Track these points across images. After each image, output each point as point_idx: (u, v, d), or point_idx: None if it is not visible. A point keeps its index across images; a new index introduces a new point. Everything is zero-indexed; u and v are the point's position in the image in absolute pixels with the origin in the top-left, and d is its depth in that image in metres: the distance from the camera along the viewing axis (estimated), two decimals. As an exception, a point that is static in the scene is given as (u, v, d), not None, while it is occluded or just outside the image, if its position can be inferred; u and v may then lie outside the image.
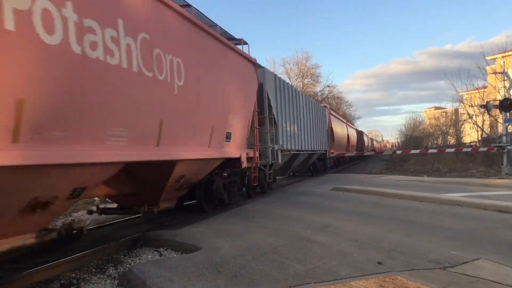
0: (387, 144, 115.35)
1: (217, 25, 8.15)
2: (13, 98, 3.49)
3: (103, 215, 7.32)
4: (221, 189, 9.06)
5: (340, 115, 35.06)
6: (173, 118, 6.05)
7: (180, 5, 5.77)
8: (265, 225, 7.06)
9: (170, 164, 6.37)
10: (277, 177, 14.36)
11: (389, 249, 5.22)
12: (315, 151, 19.23)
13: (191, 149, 6.74)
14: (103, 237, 6.78)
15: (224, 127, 8.07)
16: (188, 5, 6.85)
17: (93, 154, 4.45)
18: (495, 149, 18.51)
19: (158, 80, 5.60)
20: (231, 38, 9.10)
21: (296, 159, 16.14)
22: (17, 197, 3.97)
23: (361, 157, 41.64)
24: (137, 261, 5.33)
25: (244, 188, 11.14)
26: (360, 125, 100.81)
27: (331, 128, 23.87)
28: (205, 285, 4.04)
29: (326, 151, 22.13)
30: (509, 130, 18.29)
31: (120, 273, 4.87)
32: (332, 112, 25.43)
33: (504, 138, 17.70)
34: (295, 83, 46.71)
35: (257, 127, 10.49)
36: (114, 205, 7.32)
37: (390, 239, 5.75)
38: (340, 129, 27.59)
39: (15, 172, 3.64)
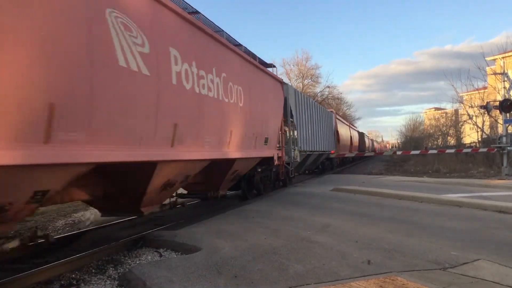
0: (387, 145, 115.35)
1: (241, 45, 9.72)
2: (172, 123, 5.93)
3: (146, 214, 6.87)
4: (259, 181, 11.62)
5: (341, 116, 35.45)
6: (236, 129, 8.48)
7: (188, 12, 6.71)
8: (265, 225, 7.06)
9: (231, 161, 8.68)
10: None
11: (389, 249, 5.22)
12: (324, 151, 21.63)
13: (243, 151, 9.06)
14: (103, 238, 6.78)
15: (263, 133, 10.47)
16: (196, 12, 7.49)
17: (190, 152, 6.63)
18: (495, 149, 18.53)
19: (230, 103, 8.10)
20: (263, 63, 11.49)
21: (308, 158, 18.40)
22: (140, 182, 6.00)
23: (361, 157, 41.71)
24: (137, 262, 5.33)
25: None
26: (360, 125, 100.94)
27: (337, 131, 26.11)
28: (205, 285, 4.04)
29: (330, 151, 24.50)
30: (509, 131, 18.31)
31: (120, 273, 4.87)
32: (337, 116, 28.05)
33: (504, 139, 17.72)
34: (295, 84, 46.77)
35: (283, 132, 12.74)
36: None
37: (390, 240, 5.75)
38: (344, 131, 29.61)
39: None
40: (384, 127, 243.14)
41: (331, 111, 26.18)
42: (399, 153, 30.79)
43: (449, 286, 3.84)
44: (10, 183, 3.83)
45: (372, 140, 70.92)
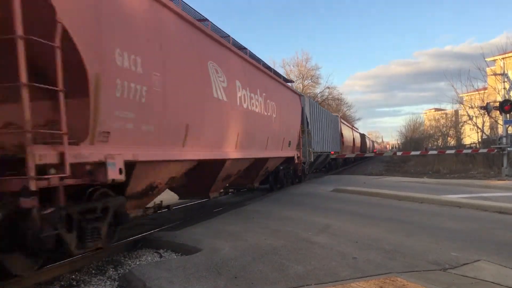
0: (387, 146, 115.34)
1: (261, 59, 11.53)
2: (236, 132, 8.44)
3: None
4: (282, 177, 14.32)
5: (341, 117, 35.68)
6: (271, 135, 11.09)
7: (197, 19, 7.36)
8: (265, 225, 7.05)
9: (265, 160, 11.01)
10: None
11: (389, 250, 5.21)
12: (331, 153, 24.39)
13: (274, 152, 11.61)
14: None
15: (288, 138, 12.93)
16: (205, 19, 8.22)
17: (245, 153, 9.21)
18: (495, 150, 18.52)
19: (267, 115, 10.69)
20: (285, 79, 14.54)
21: (319, 158, 20.63)
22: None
23: (362, 158, 41.75)
24: (137, 263, 5.33)
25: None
26: (360, 126, 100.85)
27: (341, 134, 27.97)
28: (205, 286, 4.04)
29: (338, 152, 26.85)
30: (509, 132, 18.31)
31: (120, 274, 4.87)
32: (342, 120, 30.43)
33: (504, 140, 17.72)
34: (295, 84, 46.73)
35: (300, 136, 15.05)
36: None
37: (390, 240, 5.75)
38: (347, 133, 31.54)
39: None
40: (384, 128, 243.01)
41: (337, 115, 28.68)
42: (399, 153, 30.78)
43: (449, 287, 3.84)
44: (163, 170, 6.03)
45: (373, 141, 71.22)
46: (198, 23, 6.84)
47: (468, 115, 29.95)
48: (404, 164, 31.63)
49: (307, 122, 16.80)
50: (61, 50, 3.78)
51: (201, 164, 7.19)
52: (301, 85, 47.85)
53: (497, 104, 18.72)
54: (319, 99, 45.96)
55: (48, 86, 3.70)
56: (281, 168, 13.88)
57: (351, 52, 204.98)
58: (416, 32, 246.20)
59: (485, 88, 29.98)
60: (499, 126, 22.84)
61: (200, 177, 8.18)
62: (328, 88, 49.95)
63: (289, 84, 15.09)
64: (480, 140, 29.16)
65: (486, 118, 27.44)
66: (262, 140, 10.42)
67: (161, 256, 5.61)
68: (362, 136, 45.58)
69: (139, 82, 4.93)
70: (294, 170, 15.67)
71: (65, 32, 3.80)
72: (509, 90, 20.32)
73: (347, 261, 4.74)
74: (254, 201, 10.80)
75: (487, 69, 27.79)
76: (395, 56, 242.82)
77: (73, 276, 4.82)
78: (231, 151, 8.35)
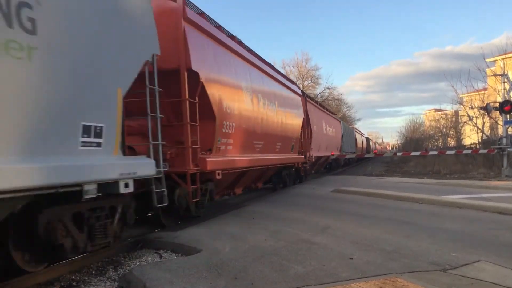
0: (387, 146, 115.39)
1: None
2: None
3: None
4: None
5: (341, 118, 36.15)
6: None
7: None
8: (265, 226, 7.05)
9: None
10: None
11: (389, 250, 5.21)
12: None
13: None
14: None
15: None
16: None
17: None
18: (495, 151, 18.51)
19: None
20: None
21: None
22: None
23: (362, 158, 41.76)
24: (137, 263, 5.32)
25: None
26: (360, 126, 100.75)
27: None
28: (205, 286, 4.04)
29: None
30: (509, 132, 18.30)
31: (120, 275, 4.87)
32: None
33: (504, 140, 17.70)
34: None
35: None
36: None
37: (390, 241, 5.75)
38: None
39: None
40: (384, 128, 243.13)
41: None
42: (399, 154, 30.78)
43: (449, 287, 3.84)
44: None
45: (375, 143, 71.89)
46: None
47: (468, 116, 29.94)
48: (404, 164, 31.63)
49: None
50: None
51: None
52: (301, 85, 47.78)
53: (497, 104, 18.70)
54: (319, 100, 45.95)
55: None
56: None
57: (352, 53, 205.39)
58: (416, 33, 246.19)
59: (485, 89, 29.95)
60: (499, 126, 22.84)
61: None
62: (328, 88, 49.93)
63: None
64: (480, 140, 29.14)
65: (486, 119, 27.43)
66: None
67: (161, 257, 5.61)
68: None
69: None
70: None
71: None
72: (509, 90, 20.31)
73: (347, 262, 4.74)
74: (254, 202, 10.80)
75: (487, 70, 27.77)
76: (396, 56, 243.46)
77: (73, 277, 4.83)
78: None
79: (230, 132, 8.46)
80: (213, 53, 8.04)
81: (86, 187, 4.29)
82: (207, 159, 7.37)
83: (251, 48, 10.66)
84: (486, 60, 27.67)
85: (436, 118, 51.02)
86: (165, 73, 6.34)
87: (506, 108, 17.55)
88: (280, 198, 11.66)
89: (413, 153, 26.02)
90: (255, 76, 10.57)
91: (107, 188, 4.70)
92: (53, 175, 3.85)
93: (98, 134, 4.54)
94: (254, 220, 7.76)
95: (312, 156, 17.92)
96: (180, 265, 4.75)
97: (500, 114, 18.98)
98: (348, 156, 29.06)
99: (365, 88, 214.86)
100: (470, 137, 34.55)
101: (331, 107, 46.76)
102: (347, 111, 60.77)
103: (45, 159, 3.82)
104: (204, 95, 7.29)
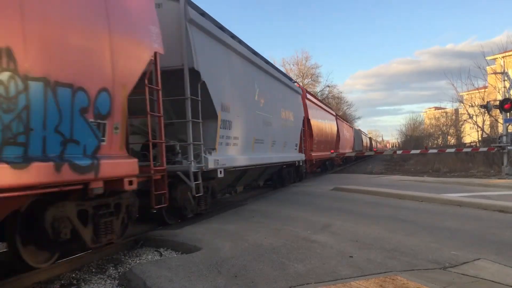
0: (387, 144, 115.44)
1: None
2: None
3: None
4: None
5: (340, 116, 36.10)
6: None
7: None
8: (265, 224, 7.05)
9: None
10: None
11: (389, 249, 5.21)
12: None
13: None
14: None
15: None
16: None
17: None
18: (495, 149, 18.48)
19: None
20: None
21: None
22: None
23: (362, 157, 41.78)
24: (137, 261, 5.33)
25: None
26: (360, 125, 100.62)
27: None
28: (205, 285, 4.04)
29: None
30: (509, 130, 18.27)
31: (120, 273, 4.87)
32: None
33: (504, 138, 17.67)
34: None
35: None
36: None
37: (390, 239, 5.75)
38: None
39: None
40: (384, 127, 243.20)
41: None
42: (399, 152, 30.75)
43: (449, 285, 3.84)
44: None
45: (376, 141, 72.13)
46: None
47: (468, 114, 29.92)
48: (404, 163, 31.63)
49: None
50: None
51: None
52: (301, 83, 47.77)
53: (497, 102, 18.68)
54: (319, 98, 45.92)
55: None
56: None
57: (352, 51, 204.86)
58: (417, 31, 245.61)
59: (485, 87, 29.95)
60: (499, 124, 22.82)
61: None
62: (328, 86, 50.01)
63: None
64: (480, 138, 29.14)
65: (486, 117, 27.42)
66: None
67: (161, 255, 5.61)
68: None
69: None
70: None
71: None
72: (509, 88, 20.26)
73: (347, 260, 4.74)
74: (254, 200, 10.81)
75: (487, 68, 27.77)
76: (397, 54, 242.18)
77: (73, 275, 4.83)
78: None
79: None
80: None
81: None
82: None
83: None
84: (486, 58, 27.71)
85: (436, 116, 51.01)
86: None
87: (506, 106, 17.51)
88: (280, 197, 11.66)
89: (413, 151, 25.94)
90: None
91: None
92: None
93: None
94: (254, 218, 7.76)
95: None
96: (180, 263, 4.76)
97: (500, 112, 18.94)
98: (348, 155, 29.05)
99: (365, 87, 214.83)
100: (470, 135, 34.57)
101: (331, 105, 46.75)
102: (347, 109, 60.84)
103: None
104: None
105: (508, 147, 17.53)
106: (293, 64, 50.05)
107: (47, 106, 3.89)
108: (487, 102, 19.80)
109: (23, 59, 3.60)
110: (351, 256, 4.90)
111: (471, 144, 32.44)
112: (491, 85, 26.94)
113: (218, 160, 7.79)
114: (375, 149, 57.32)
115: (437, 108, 61.60)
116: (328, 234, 6.20)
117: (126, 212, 5.64)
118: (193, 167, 6.98)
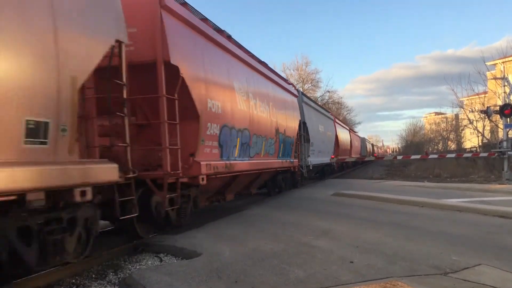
0: (388, 150, 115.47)
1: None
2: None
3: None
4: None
5: (341, 120, 36.17)
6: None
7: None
8: (266, 230, 7.05)
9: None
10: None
11: (389, 254, 5.20)
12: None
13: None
14: (103, 243, 6.76)
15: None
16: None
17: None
18: (496, 154, 18.49)
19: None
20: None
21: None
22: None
23: (362, 162, 41.75)
24: (137, 267, 5.31)
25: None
26: (361, 130, 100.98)
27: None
28: (206, 290, 4.03)
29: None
30: (509, 136, 18.28)
31: (120, 278, 4.86)
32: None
33: (504, 144, 17.67)
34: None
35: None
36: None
37: (391, 245, 5.74)
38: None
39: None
40: (385, 132, 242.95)
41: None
42: (399, 157, 30.73)
43: (450, 291, 3.83)
44: None
45: (378, 147, 72.84)
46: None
47: (469, 119, 29.91)
48: (405, 168, 31.62)
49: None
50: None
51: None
52: (301, 89, 47.82)
53: (498, 108, 18.71)
54: (319, 103, 46.01)
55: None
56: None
57: (353, 56, 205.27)
58: (418, 36, 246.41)
59: (485, 92, 29.95)
60: (499, 130, 22.83)
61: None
62: (329, 92, 49.97)
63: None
64: (480, 144, 29.11)
65: (487, 122, 27.40)
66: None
67: (161, 260, 5.60)
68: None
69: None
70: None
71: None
72: (509, 94, 20.29)
73: (348, 265, 4.73)
74: (254, 206, 10.79)
75: (487, 73, 27.81)
76: (397, 59, 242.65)
77: (73, 281, 4.81)
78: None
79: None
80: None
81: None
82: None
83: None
84: (486, 63, 27.74)
85: (437, 122, 51.01)
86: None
87: (507, 111, 17.52)
88: (279, 202, 11.65)
89: (413, 157, 25.93)
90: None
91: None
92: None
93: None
94: (253, 223, 7.75)
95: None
96: (180, 268, 4.75)
97: (501, 117, 18.95)
98: (348, 160, 29.03)
99: (366, 92, 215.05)
100: (471, 140, 34.54)
101: (331, 110, 46.84)
102: (347, 115, 60.87)
103: None
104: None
105: (509, 153, 17.52)
106: (293, 69, 50.14)
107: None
108: (487, 107, 19.82)
109: None
110: (352, 262, 4.89)
111: (472, 149, 32.43)
112: (491, 90, 26.95)
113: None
114: (375, 154, 57.42)
115: (437, 113, 61.61)
116: (328, 239, 6.19)
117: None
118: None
